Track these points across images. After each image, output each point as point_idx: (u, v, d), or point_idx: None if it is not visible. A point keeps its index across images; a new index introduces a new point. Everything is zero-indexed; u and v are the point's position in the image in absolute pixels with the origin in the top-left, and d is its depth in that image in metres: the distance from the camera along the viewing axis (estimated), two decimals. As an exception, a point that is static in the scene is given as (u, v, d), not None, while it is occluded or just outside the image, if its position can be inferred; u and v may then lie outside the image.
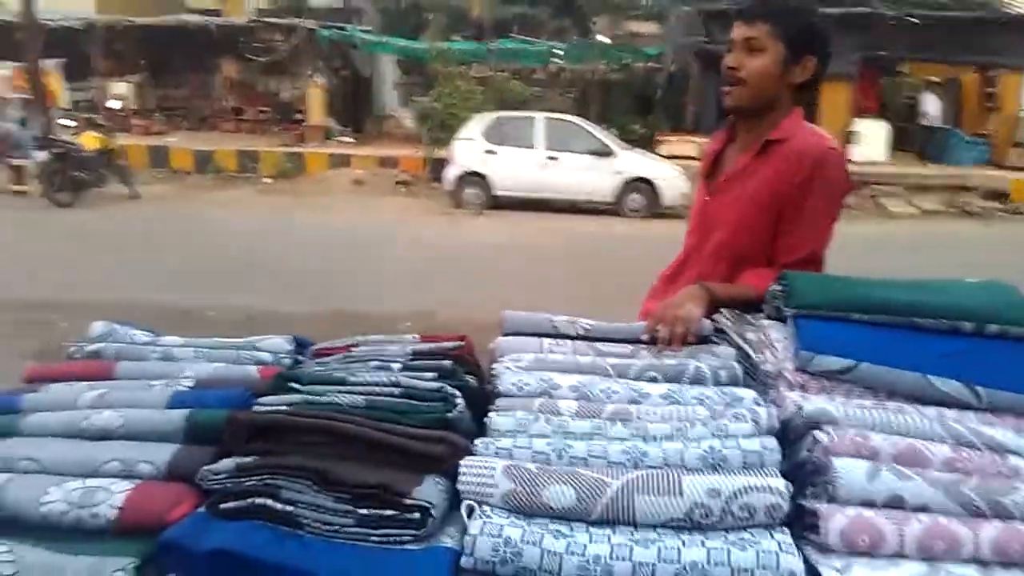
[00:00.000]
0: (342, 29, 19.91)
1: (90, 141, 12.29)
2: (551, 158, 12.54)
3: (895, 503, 1.15)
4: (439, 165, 13.81)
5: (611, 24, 24.27)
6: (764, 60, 1.81)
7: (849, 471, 1.17)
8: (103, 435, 1.25)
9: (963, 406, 1.33)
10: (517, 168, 12.61)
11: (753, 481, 1.12)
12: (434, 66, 16.52)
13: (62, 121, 13.27)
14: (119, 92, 19.33)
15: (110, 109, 17.28)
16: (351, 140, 18.67)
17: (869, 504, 1.15)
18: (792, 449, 1.29)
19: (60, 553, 1.04)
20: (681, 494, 1.11)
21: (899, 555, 1.11)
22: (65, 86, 15.87)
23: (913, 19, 15.84)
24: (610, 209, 12.05)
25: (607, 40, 20.44)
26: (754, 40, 1.81)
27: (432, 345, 1.56)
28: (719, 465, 1.19)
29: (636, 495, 1.12)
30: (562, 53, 19.75)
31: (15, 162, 12.54)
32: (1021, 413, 1.32)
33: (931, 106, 16.86)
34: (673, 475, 1.14)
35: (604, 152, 11.97)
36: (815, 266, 1.81)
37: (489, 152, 12.74)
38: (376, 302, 6.58)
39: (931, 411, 1.34)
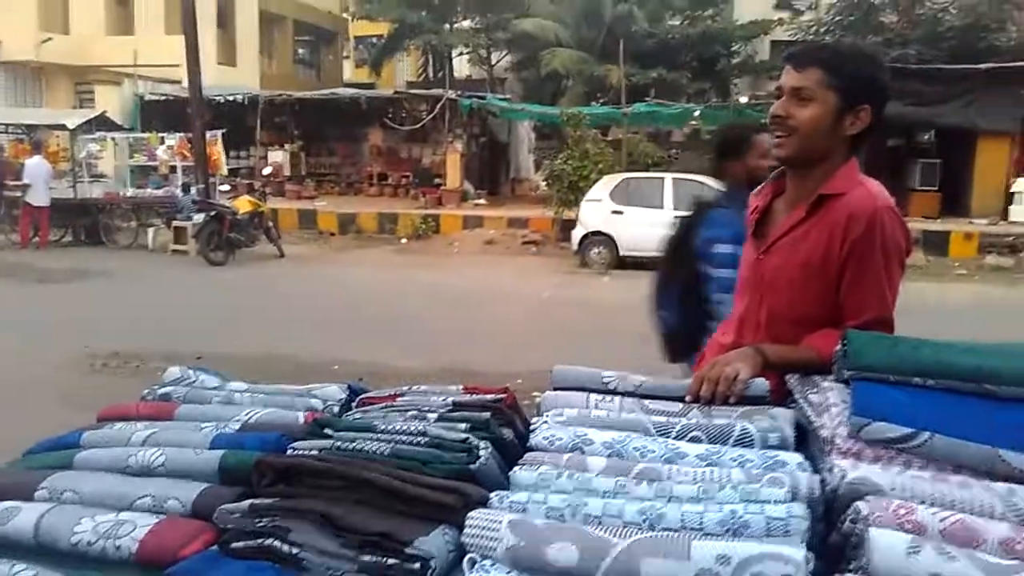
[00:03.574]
0: (482, 98, 20.71)
1: (243, 205, 13.28)
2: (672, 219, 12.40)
3: (935, 584, 1.03)
4: (567, 226, 13.96)
5: (752, 85, 24.05)
6: (815, 110, 1.69)
7: (886, 544, 1.06)
8: (145, 472, 1.32)
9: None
10: (644, 228, 12.49)
11: (768, 549, 1.04)
12: (567, 130, 16.82)
13: (221, 187, 14.44)
14: (274, 160, 20.84)
15: (264, 175, 18.63)
16: (485, 202, 19.21)
17: (905, 582, 1.04)
18: (840, 520, 1.20)
19: (79, 581, 1.10)
20: (688, 559, 1.04)
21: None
22: (223, 154, 17.25)
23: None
24: (741, 270, 11.60)
25: (745, 101, 20.19)
26: (805, 89, 1.69)
27: (472, 397, 1.56)
28: (739, 530, 1.12)
29: (642, 557, 1.06)
30: (697, 114, 19.66)
31: (176, 223, 13.71)
32: None
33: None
34: (683, 539, 1.08)
35: (734, 212, 11.68)
36: (882, 330, 1.68)
37: (616, 212, 12.75)
38: (492, 360, 6.66)
39: (1001, 487, 1.21)
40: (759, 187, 2.01)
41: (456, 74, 27.45)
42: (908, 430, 1.27)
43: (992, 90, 15.30)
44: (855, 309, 1.70)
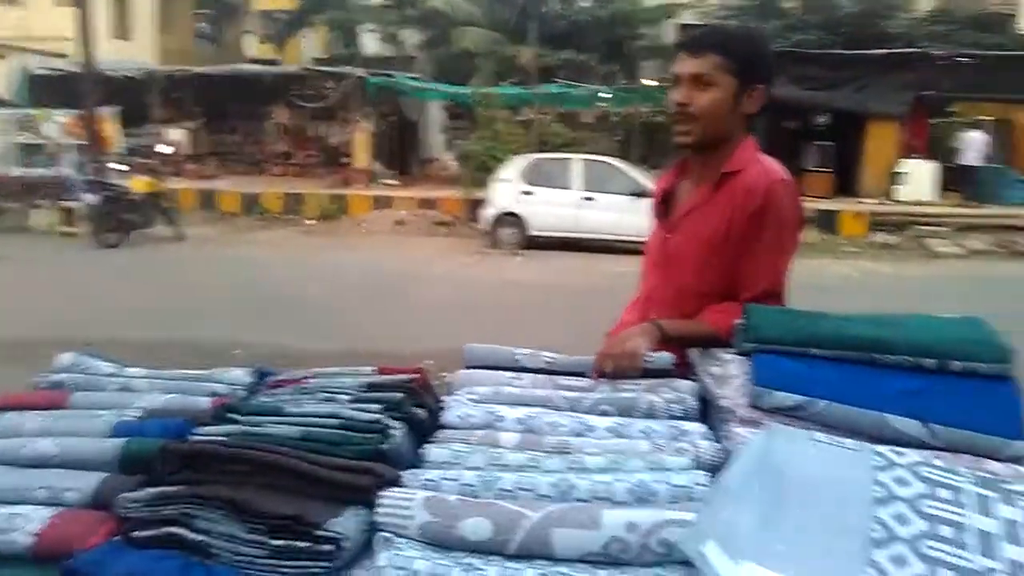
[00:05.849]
0: (391, 76, 20.41)
1: (139, 185, 12.72)
2: (587, 199, 12.60)
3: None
4: (478, 206, 13.95)
5: (658, 68, 24.48)
6: (716, 94, 1.74)
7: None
8: (38, 463, 1.26)
9: (918, 445, 1.27)
10: (553, 208, 12.67)
11: (673, 515, 1.08)
12: (478, 110, 16.79)
13: (115, 166, 13.77)
14: (172, 138, 20.03)
15: (162, 154, 17.88)
16: (395, 183, 18.98)
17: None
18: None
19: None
20: (599, 527, 1.07)
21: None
22: (121, 132, 16.48)
23: (963, 58, 15.61)
24: (647, 249, 11.84)
25: (652, 83, 20.56)
26: (704, 75, 1.74)
27: (385, 377, 1.55)
28: (646, 499, 1.15)
29: (554, 528, 1.08)
30: (607, 96, 19.91)
31: (66, 204, 13.04)
32: (978, 452, 1.25)
33: (976, 145, 16.49)
34: (594, 509, 1.11)
35: (640, 193, 11.94)
36: (774, 301, 1.75)
37: (526, 193, 12.84)
38: (402, 341, 6.61)
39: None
40: (667, 171, 2.06)
41: (365, 51, 26.95)
42: (805, 399, 1.33)
43: (883, 75, 16.07)
44: (748, 281, 1.77)
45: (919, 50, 16.23)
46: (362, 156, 19.36)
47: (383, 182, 18.91)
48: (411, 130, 23.11)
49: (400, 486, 1.20)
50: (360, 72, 19.47)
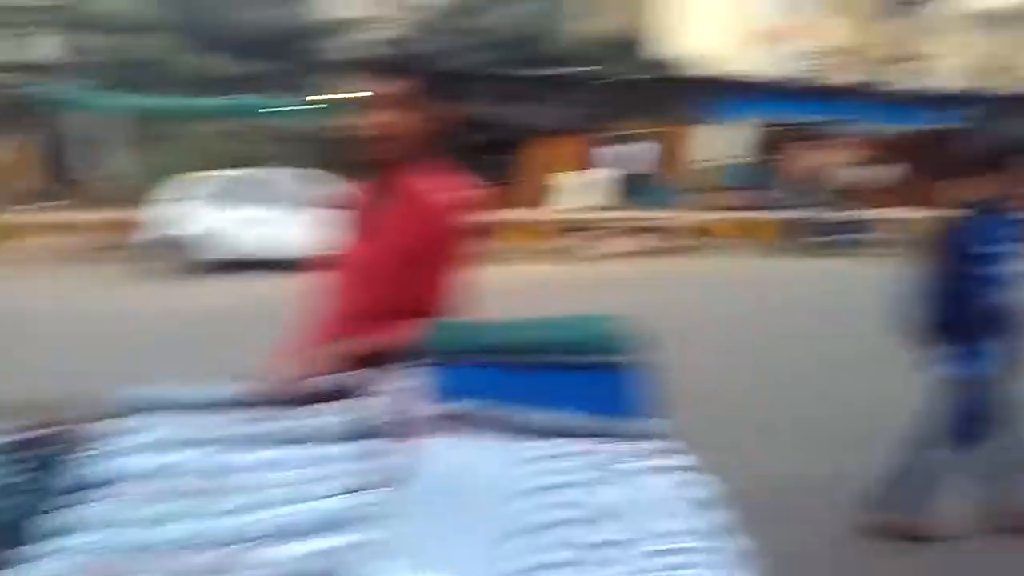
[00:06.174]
0: (58, 86, 18.23)
1: None
2: (275, 216, 11.82)
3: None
4: (154, 228, 12.63)
5: (350, 83, 24.31)
6: (409, 116, 1.84)
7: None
8: None
9: (571, 434, 1.39)
10: (240, 227, 11.77)
11: (359, 538, 1.08)
12: (152, 124, 15.54)
13: None
14: None
15: None
16: (59, 204, 16.94)
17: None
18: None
19: None
20: (281, 563, 1.04)
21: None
22: None
23: (612, 80, 17.78)
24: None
25: (345, 97, 20.48)
26: (396, 97, 1.83)
27: (26, 434, 1.37)
28: (333, 525, 1.15)
29: (231, 573, 1.03)
30: (298, 109, 19.49)
31: None
32: (612, 435, 1.39)
33: (641, 156, 18.99)
34: (273, 545, 1.07)
35: (330, 208, 11.41)
36: (458, 313, 1.86)
37: (199, 212, 11.89)
38: (44, 386, 5.73)
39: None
40: (355, 187, 2.09)
41: (28, 57, 23.73)
42: (482, 403, 1.42)
43: (551, 93, 17.87)
44: (435, 294, 1.86)
45: (580, 70, 18.11)
46: (21, 176, 17.08)
47: (45, 204, 16.79)
48: (80, 146, 20.76)
49: (52, 554, 1.06)
50: (21, 81, 17.14)
